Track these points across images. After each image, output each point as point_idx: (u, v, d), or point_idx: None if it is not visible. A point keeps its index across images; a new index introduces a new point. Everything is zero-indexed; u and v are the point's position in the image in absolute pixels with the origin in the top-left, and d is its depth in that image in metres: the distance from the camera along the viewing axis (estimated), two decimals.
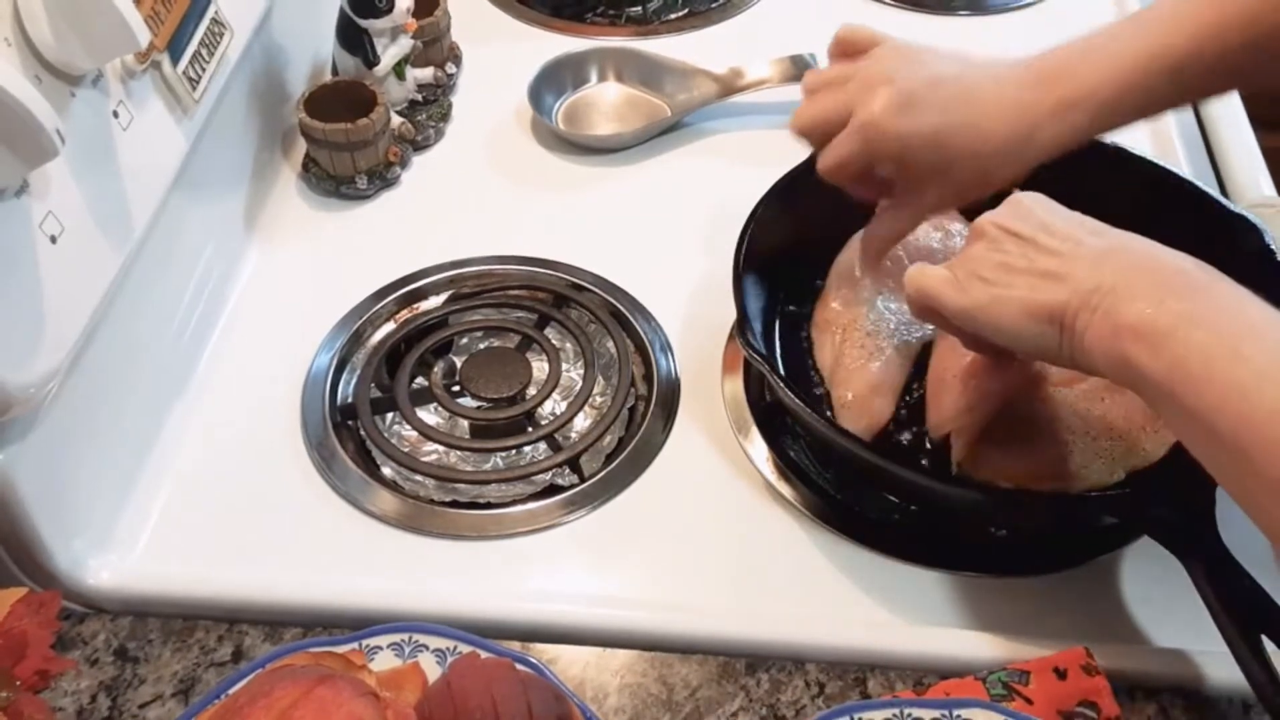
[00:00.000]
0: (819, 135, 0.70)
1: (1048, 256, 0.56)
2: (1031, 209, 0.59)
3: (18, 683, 0.60)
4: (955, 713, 0.58)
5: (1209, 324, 0.48)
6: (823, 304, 0.78)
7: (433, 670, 0.60)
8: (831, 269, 0.79)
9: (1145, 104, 0.64)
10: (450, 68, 1.02)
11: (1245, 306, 0.49)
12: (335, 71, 0.96)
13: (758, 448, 0.74)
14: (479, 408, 0.78)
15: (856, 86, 0.67)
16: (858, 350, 0.74)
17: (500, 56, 1.06)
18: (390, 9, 0.90)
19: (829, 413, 0.73)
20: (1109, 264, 0.53)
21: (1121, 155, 0.76)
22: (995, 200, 0.63)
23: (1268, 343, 0.47)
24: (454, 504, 0.73)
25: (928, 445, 0.71)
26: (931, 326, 0.76)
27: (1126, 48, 0.63)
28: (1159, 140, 0.94)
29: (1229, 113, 0.96)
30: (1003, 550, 0.70)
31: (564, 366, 0.81)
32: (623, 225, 0.91)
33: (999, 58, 0.68)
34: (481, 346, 0.83)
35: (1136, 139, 0.93)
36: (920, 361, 0.75)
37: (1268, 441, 0.44)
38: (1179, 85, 0.63)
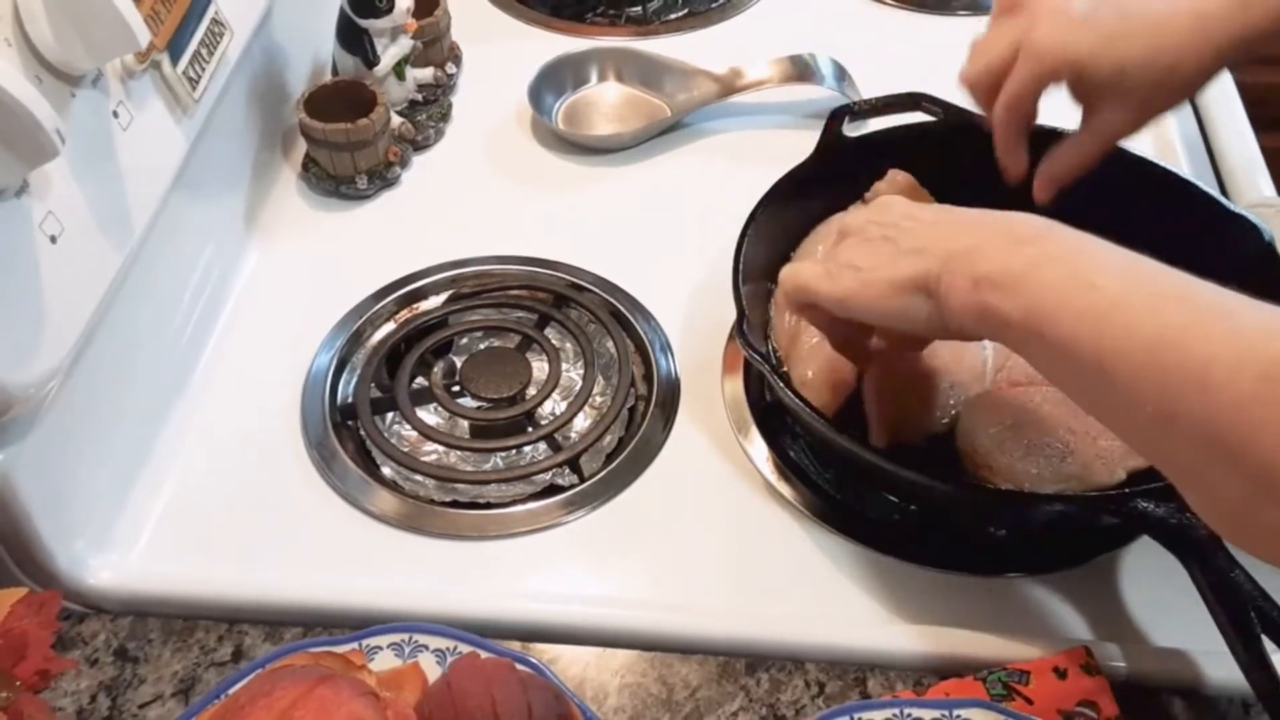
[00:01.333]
0: (989, 80, 0.68)
1: (910, 237, 0.58)
2: (895, 204, 0.62)
3: (18, 683, 0.60)
4: (955, 713, 0.58)
5: (1058, 261, 0.50)
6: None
7: (433, 670, 0.60)
8: (797, 251, 0.79)
9: None
10: (450, 68, 1.02)
11: (1089, 244, 0.51)
12: (335, 71, 0.96)
13: (758, 448, 0.74)
14: (479, 408, 0.78)
15: (1024, 23, 0.66)
16: (812, 328, 0.73)
17: (500, 56, 1.06)
18: (390, 9, 0.90)
19: None
20: (965, 232, 0.56)
21: (1122, 156, 0.76)
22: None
23: (1114, 272, 0.49)
24: (454, 504, 0.73)
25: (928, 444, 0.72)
26: None
27: None
28: (1159, 140, 0.94)
29: (1229, 113, 0.96)
30: (1003, 550, 0.70)
31: (564, 366, 0.81)
32: (623, 225, 0.91)
33: None
34: (481, 346, 0.83)
35: (1138, 139, 0.93)
36: None
37: (1124, 361, 0.46)
38: None
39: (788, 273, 0.64)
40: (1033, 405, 0.69)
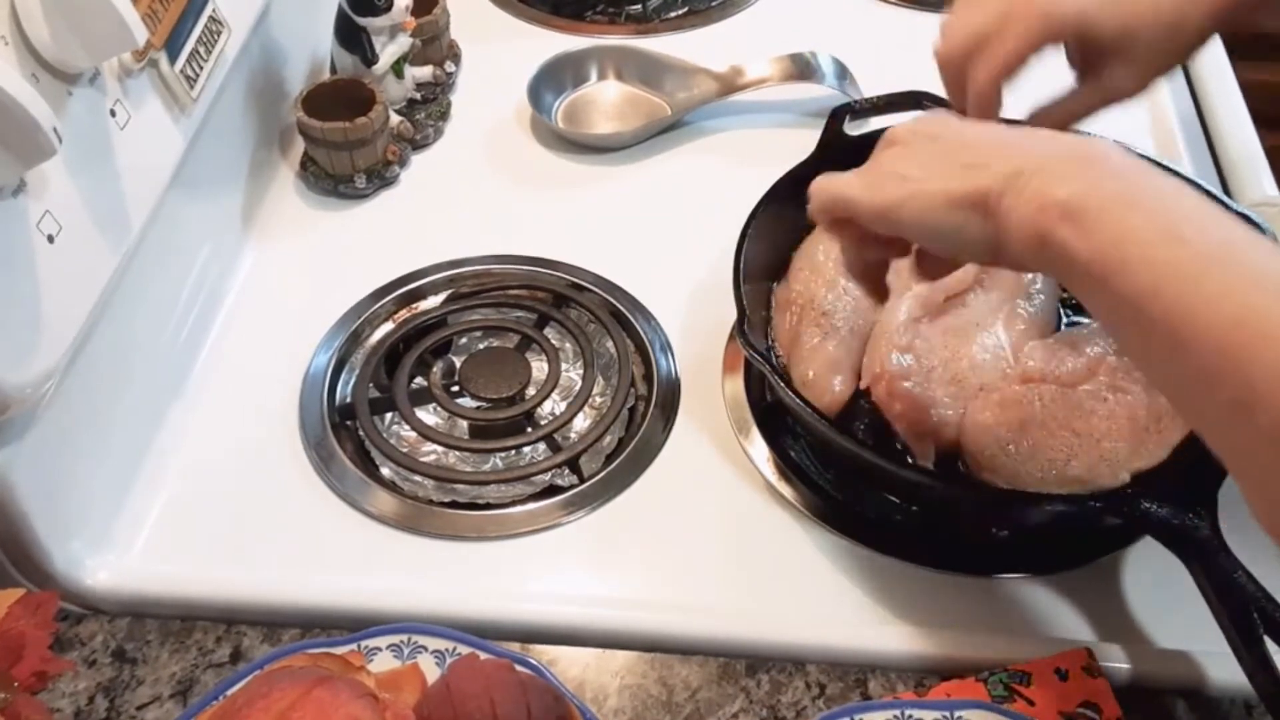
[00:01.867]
0: (976, 51, 0.62)
1: (966, 151, 0.52)
2: (946, 118, 0.57)
3: (15, 684, 0.60)
4: (956, 714, 0.58)
5: (1145, 207, 0.45)
6: (785, 285, 0.77)
7: (432, 671, 0.60)
8: (798, 251, 0.79)
9: None
10: (449, 66, 1.02)
11: (1181, 192, 0.47)
12: (333, 70, 0.96)
13: (758, 448, 0.74)
14: (478, 408, 0.78)
15: None
16: (813, 329, 0.73)
17: (500, 55, 1.06)
18: (389, 7, 0.89)
19: None
20: (1034, 149, 0.50)
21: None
22: None
23: (1207, 229, 0.45)
24: (453, 504, 0.72)
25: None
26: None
27: None
28: (1161, 138, 0.94)
29: (1231, 111, 0.96)
30: (1004, 550, 0.70)
31: (564, 366, 0.80)
32: (623, 225, 0.90)
33: None
34: (481, 346, 0.82)
35: (1139, 138, 0.93)
36: None
37: (1203, 334, 0.42)
38: None
39: (820, 183, 0.57)
40: (1037, 407, 0.69)
